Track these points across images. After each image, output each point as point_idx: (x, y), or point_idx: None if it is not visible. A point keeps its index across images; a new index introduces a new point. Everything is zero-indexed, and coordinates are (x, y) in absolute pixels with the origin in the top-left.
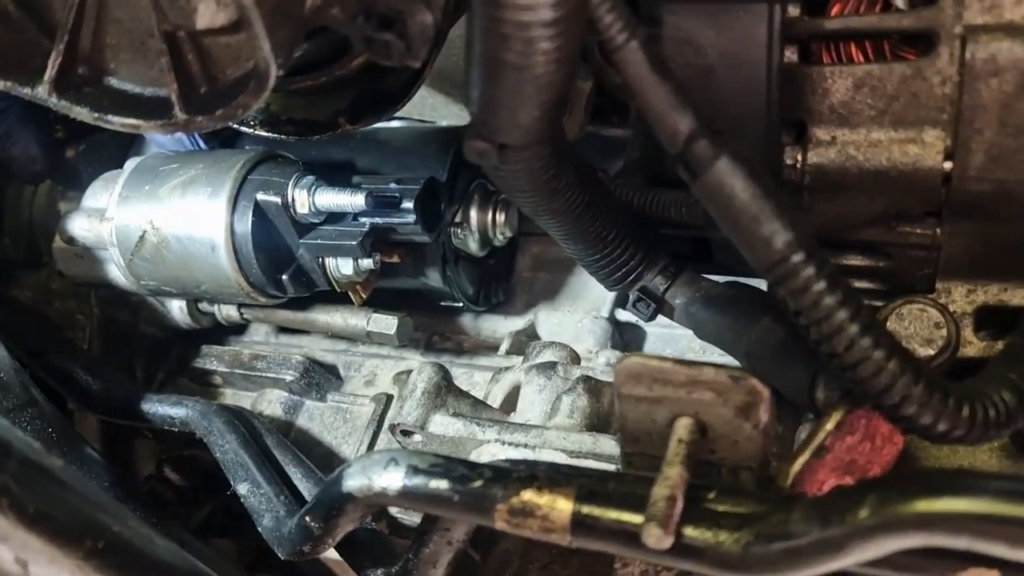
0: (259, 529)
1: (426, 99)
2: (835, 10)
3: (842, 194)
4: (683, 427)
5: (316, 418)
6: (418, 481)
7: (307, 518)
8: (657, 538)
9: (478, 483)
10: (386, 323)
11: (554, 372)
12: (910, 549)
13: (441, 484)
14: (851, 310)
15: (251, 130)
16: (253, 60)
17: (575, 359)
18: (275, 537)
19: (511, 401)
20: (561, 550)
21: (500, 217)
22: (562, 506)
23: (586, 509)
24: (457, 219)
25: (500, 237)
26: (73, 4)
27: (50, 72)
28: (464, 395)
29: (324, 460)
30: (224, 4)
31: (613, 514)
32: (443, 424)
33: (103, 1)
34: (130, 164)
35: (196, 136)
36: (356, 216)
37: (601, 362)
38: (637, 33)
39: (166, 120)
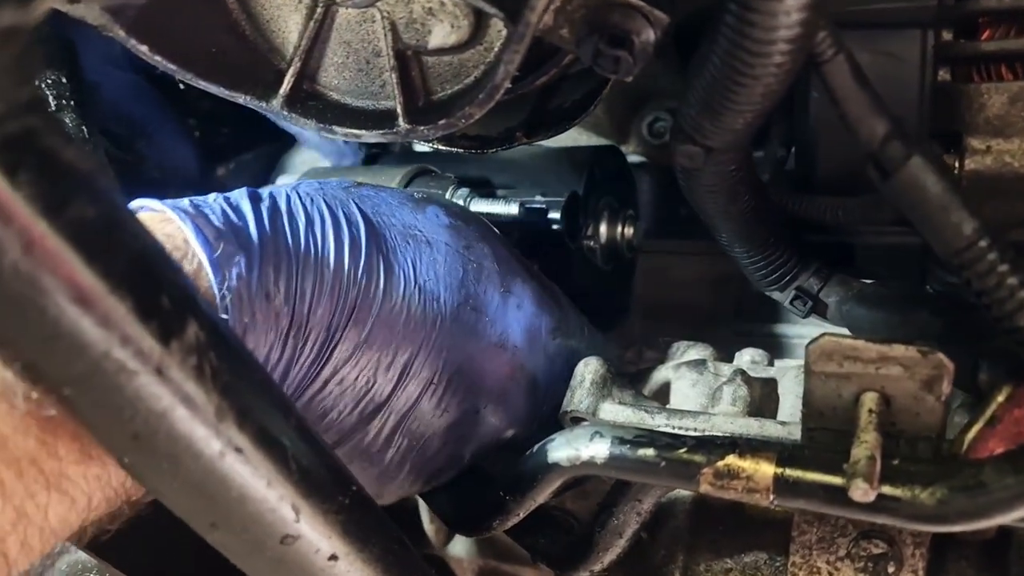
0: (433, 510)
1: None
2: (986, 34)
3: (997, 197)
4: (870, 400)
5: None
6: (625, 450)
7: (500, 492)
8: (864, 492)
9: (683, 450)
10: None
11: (704, 368)
12: None
13: (648, 452)
14: None
15: (431, 146)
16: (473, 76)
17: (719, 356)
18: (455, 515)
19: (660, 397)
20: (728, 526)
21: (628, 231)
22: (765, 469)
23: (788, 472)
24: (588, 232)
25: (626, 250)
26: (311, 30)
27: (285, 88)
28: (626, 386)
29: None
30: (457, 27)
31: (813, 475)
32: (612, 411)
33: (336, 25)
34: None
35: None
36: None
37: (746, 359)
38: (843, 48)
39: (388, 130)
